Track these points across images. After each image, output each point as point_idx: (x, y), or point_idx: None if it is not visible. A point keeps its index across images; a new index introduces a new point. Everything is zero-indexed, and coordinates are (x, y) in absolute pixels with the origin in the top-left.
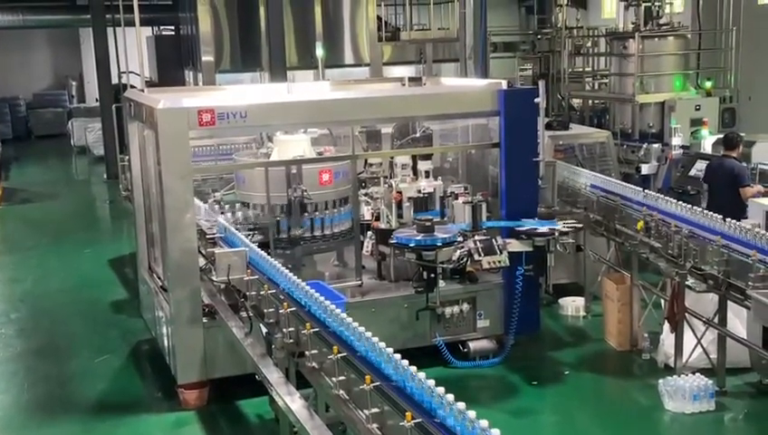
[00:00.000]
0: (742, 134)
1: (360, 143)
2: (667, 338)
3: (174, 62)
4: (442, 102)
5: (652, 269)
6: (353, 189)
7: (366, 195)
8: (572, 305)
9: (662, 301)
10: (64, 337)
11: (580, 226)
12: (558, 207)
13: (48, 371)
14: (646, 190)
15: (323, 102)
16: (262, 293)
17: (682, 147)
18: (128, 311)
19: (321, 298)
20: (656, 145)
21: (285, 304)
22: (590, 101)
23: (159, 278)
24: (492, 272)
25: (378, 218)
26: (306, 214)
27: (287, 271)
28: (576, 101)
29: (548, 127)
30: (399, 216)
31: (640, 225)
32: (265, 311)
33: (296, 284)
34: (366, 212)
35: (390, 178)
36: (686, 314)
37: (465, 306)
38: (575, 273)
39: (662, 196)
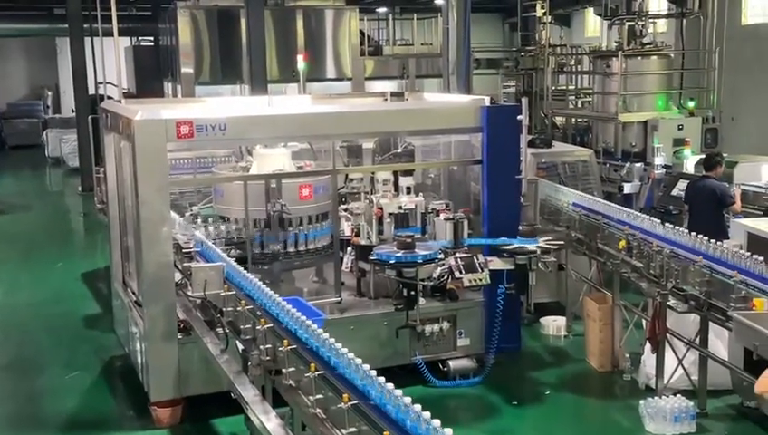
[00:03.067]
0: (724, 154)
1: (341, 158)
2: (649, 359)
3: (152, 74)
4: (424, 118)
5: (634, 289)
6: (333, 205)
7: (346, 210)
8: (554, 325)
9: (644, 321)
10: (34, 352)
11: (562, 244)
12: (540, 225)
13: (17, 387)
14: (628, 209)
15: (304, 116)
16: (239, 309)
17: (664, 166)
18: (100, 326)
19: (299, 314)
20: (638, 164)
21: (262, 320)
22: (574, 120)
23: (134, 293)
24: (473, 290)
25: (358, 234)
26: (285, 229)
27: (265, 287)
28: (559, 119)
29: (531, 144)
30: (380, 232)
31: (622, 244)
32: (242, 327)
33: (274, 300)
34: (346, 228)
35: (371, 193)
36: (668, 335)
37: (446, 324)
38: (557, 292)
39: (644, 215)
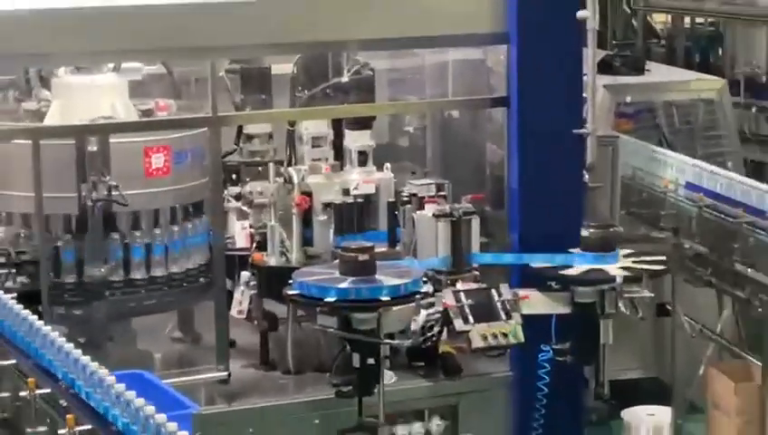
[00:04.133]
0: None
1: (229, 95)
2: None
3: None
4: (396, 15)
5: None
6: (213, 187)
7: (240, 198)
8: (648, 424)
9: None
10: None
11: (666, 264)
12: (622, 228)
13: None
14: None
15: (153, 10)
16: (22, 395)
17: None
18: None
19: (147, 408)
20: None
21: (70, 417)
22: (688, 20)
23: None
24: (490, 356)
25: (262, 246)
26: (117, 235)
27: (76, 351)
28: (660, 20)
29: (605, 69)
30: (307, 240)
31: None
32: (28, 431)
33: (94, 378)
34: (239, 233)
35: (289, 164)
36: None
37: (437, 424)
38: (655, 360)
39: None
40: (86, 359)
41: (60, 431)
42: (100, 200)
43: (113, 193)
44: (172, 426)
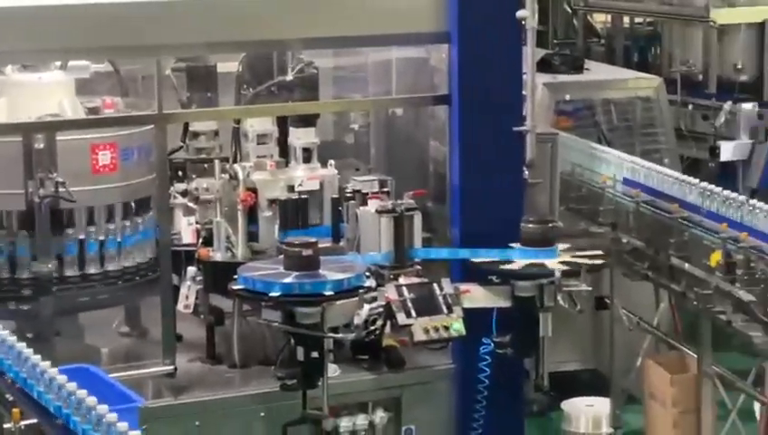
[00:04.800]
0: None
1: (175, 92)
2: None
3: None
4: (340, 14)
5: (740, 345)
6: (160, 184)
7: (186, 195)
8: (587, 415)
9: (756, 405)
10: None
11: (604, 259)
12: (562, 223)
13: None
14: (728, 192)
15: (100, 8)
16: None
17: None
18: None
19: (91, 400)
20: (748, 105)
21: (16, 410)
22: (627, 20)
23: None
24: (432, 349)
25: (208, 242)
26: (64, 231)
27: (22, 345)
28: (600, 19)
29: (545, 67)
30: (252, 236)
31: (716, 258)
32: None
33: (41, 372)
34: (185, 229)
35: (235, 161)
36: None
37: (380, 416)
38: (594, 352)
39: (761, 203)
40: (29, 352)
41: (5, 425)
42: (48, 197)
43: (60, 190)
44: (102, 408)
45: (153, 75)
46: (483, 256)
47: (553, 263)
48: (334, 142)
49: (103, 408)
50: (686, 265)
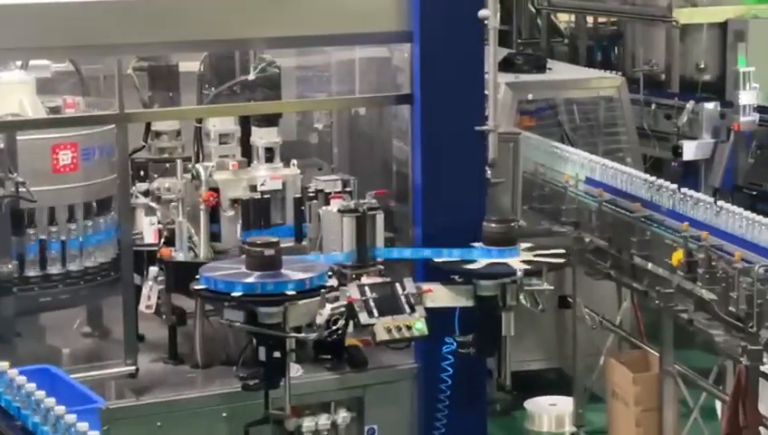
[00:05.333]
0: None
1: (137, 91)
2: None
3: None
4: (302, 13)
5: (701, 343)
6: (121, 184)
7: (148, 195)
8: (550, 414)
9: (718, 403)
10: None
11: (566, 258)
12: (524, 222)
13: None
14: (689, 191)
15: (60, 7)
16: None
17: (759, 109)
18: None
19: (51, 401)
20: (710, 105)
21: None
22: (590, 20)
23: None
24: (395, 348)
25: (170, 242)
26: (24, 231)
27: None
28: (564, 19)
29: (507, 67)
30: (214, 236)
31: (678, 257)
32: None
33: (0, 373)
34: (147, 229)
35: (197, 161)
36: (763, 427)
37: (343, 416)
38: (557, 351)
39: (722, 202)
40: None
41: None
42: (8, 197)
43: (21, 190)
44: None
45: (114, 75)
46: (445, 256)
47: (516, 262)
48: (298, 142)
49: (62, 409)
50: (649, 264)
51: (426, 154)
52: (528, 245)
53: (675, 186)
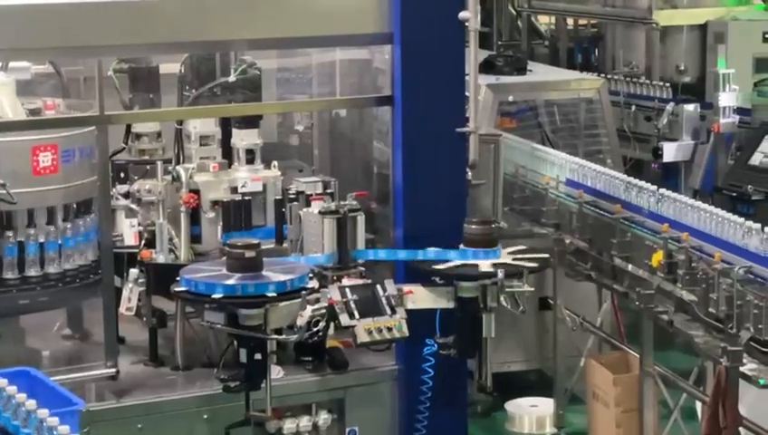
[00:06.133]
0: None
1: (117, 93)
2: None
3: None
4: (282, 15)
5: (681, 344)
6: (102, 186)
7: (128, 197)
8: (531, 416)
9: (698, 405)
10: None
11: (547, 260)
12: (505, 224)
13: None
14: (670, 193)
15: (40, 9)
16: None
17: (738, 111)
18: None
19: (31, 403)
20: (690, 107)
21: None
22: (570, 22)
23: None
24: (375, 350)
25: (150, 244)
26: (4, 233)
27: None
28: (544, 21)
29: (488, 68)
30: (195, 238)
31: (658, 258)
32: None
33: None
34: (128, 231)
35: (178, 163)
36: (743, 428)
37: (324, 417)
38: (537, 353)
39: (701, 203)
40: None
41: None
42: None
43: (0, 192)
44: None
45: (95, 76)
46: (426, 257)
47: (486, 264)
48: (279, 144)
49: (44, 412)
50: (629, 265)
51: (406, 156)
52: (512, 248)
53: (655, 187)
